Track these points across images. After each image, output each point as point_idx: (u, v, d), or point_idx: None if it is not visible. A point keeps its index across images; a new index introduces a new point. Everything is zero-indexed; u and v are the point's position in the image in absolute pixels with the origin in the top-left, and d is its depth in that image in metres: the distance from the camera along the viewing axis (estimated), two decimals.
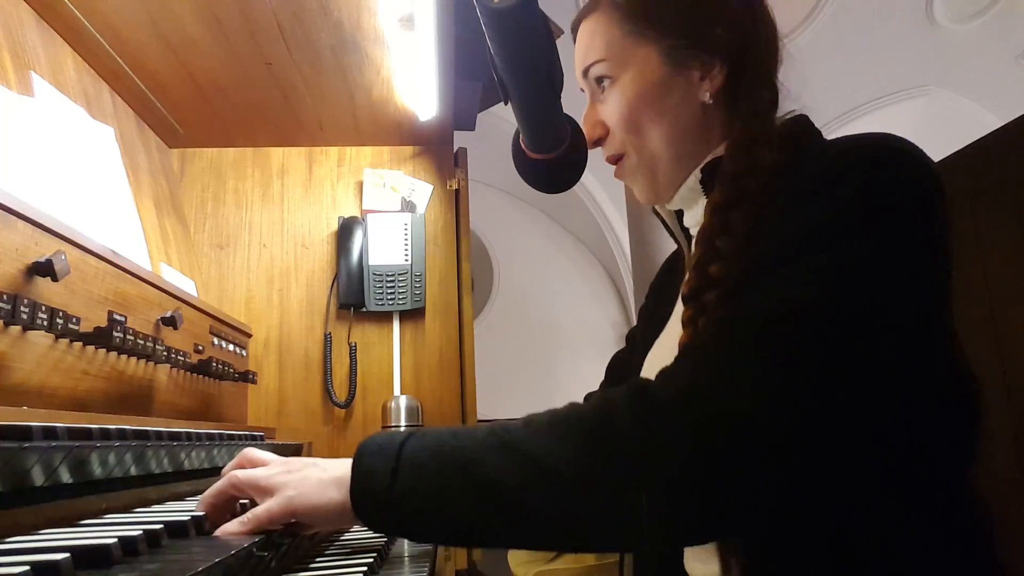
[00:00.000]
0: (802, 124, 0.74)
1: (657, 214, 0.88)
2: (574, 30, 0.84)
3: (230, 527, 0.60)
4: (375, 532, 0.64)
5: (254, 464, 0.68)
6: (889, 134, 0.65)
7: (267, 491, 0.63)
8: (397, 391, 1.72)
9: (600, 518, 0.56)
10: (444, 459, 0.58)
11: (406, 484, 0.58)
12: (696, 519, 0.56)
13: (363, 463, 0.60)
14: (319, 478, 0.62)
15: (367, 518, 0.60)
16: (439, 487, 0.57)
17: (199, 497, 0.67)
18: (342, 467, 0.62)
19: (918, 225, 0.60)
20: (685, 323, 0.68)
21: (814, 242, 0.59)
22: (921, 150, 0.64)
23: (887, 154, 0.62)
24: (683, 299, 0.69)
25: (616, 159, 0.82)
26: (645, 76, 0.76)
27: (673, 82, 0.76)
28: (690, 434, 0.54)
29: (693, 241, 0.74)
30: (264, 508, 0.62)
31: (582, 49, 0.81)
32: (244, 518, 0.61)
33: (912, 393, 0.61)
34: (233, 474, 0.65)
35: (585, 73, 0.81)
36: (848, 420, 0.56)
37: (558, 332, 6.70)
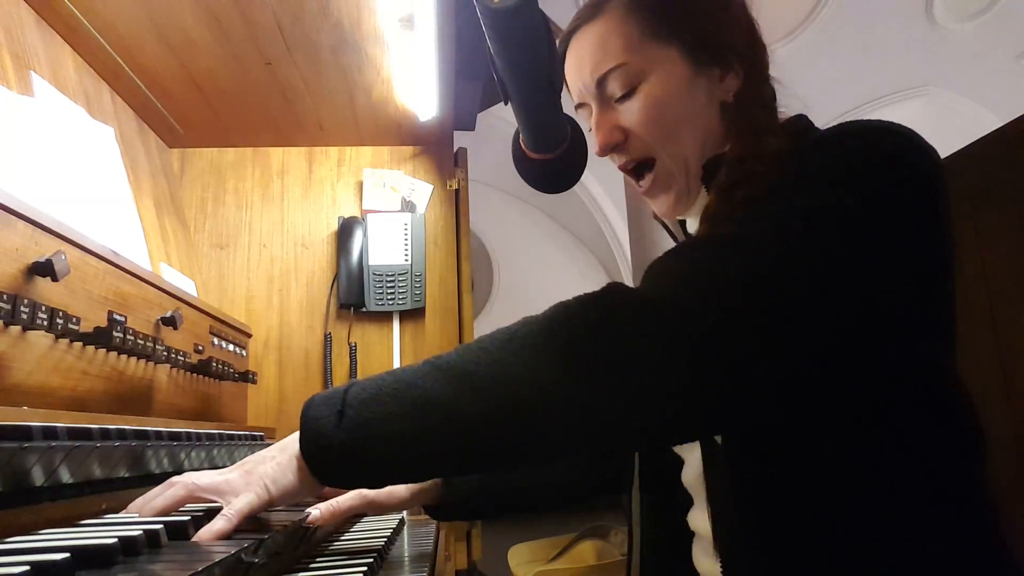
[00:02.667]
0: (803, 121, 0.76)
1: (659, 219, 0.88)
2: (566, 41, 0.81)
3: (216, 525, 0.59)
4: (332, 486, 0.64)
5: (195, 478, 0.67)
6: (890, 121, 0.65)
7: (233, 493, 0.63)
8: None
9: (540, 424, 0.56)
10: (385, 392, 0.59)
11: (351, 421, 0.58)
12: (627, 422, 0.57)
13: (310, 413, 0.61)
14: (278, 462, 0.63)
15: (319, 469, 0.61)
16: (382, 418, 0.58)
17: (147, 505, 0.64)
18: (294, 441, 0.63)
19: (899, 195, 0.60)
20: None
21: (784, 190, 0.61)
22: (920, 136, 0.64)
23: (885, 134, 0.63)
24: None
25: (635, 165, 0.79)
26: (671, 76, 0.75)
27: (698, 82, 0.76)
28: (638, 339, 0.54)
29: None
30: (245, 502, 0.62)
31: (592, 57, 0.77)
32: (228, 513, 0.61)
33: (897, 370, 0.62)
34: (193, 483, 0.64)
35: (600, 82, 0.77)
36: (788, 356, 0.56)
37: None
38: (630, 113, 0.77)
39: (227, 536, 0.59)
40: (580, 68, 0.79)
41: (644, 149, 0.78)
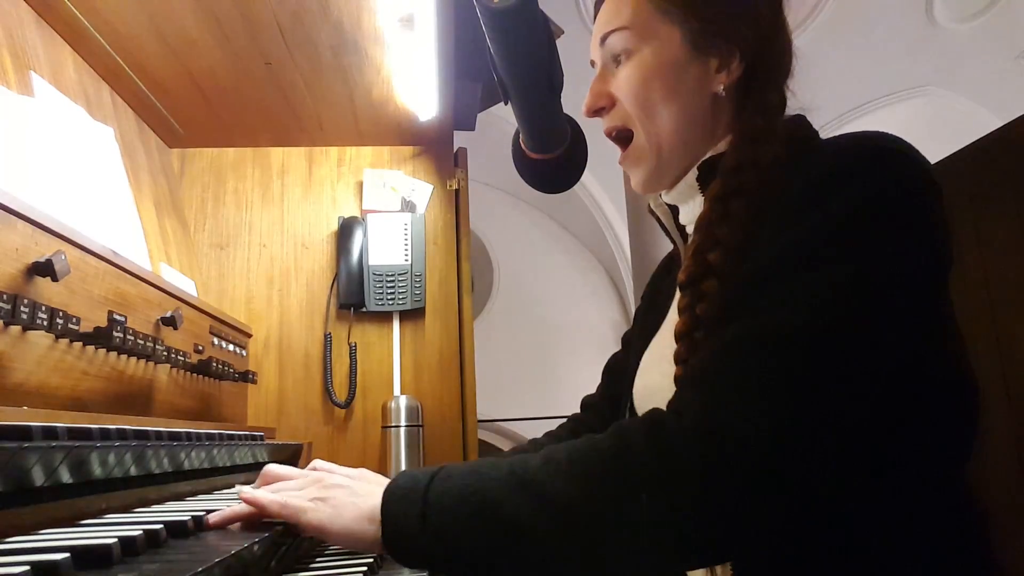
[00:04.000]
0: (801, 124, 0.75)
1: (652, 213, 0.88)
2: (599, 2, 0.83)
3: (261, 493, 0.63)
4: (409, 568, 0.66)
5: (278, 478, 0.70)
6: (885, 134, 0.65)
7: (301, 513, 0.64)
8: (397, 391, 1.72)
9: (623, 558, 0.57)
10: (469, 502, 0.60)
11: (434, 530, 0.60)
12: (717, 551, 0.59)
13: (392, 507, 0.62)
14: (356, 507, 0.64)
15: (401, 559, 0.63)
16: (465, 531, 0.59)
17: (220, 514, 0.65)
18: (374, 499, 0.64)
19: (916, 234, 0.60)
20: (682, 310, 0.68)
21: (811, 259, 0.60)
22: (916, 150, 0.64)
23: (884, 158, 0.62)
24: (680, 286, 0.70)
25: (617, 133, 0.81)
26: (665, 54, 0.76)
27: (691, 66, 0.76)
28: (709, 472, 0.55)
29: (691, 233, 0.75)
30: (302, 512, 0.63)
31: (605, 16, 0.80)
32: (279, 498, 0.63)
33: (912, 401, 0.61)
34: (269, 501, 0.65)
35: (603, 40, 0.79)
36: (857, 442, 0.56)
37: (558, 332, 6.70)
38: (617, 80, 0.79)
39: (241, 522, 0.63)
40: (597, 26, 0.81)
41: (623, 118, 0.79)
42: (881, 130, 0.66)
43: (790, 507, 0.56)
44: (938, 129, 4.89)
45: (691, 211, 0.81)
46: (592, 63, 0.84)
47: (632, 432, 0.59)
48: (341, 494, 0.65)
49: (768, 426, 0.55)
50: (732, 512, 0.55)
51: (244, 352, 1.55)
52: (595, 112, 0.81)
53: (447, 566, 0.62)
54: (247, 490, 0.66)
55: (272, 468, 0.73)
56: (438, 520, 0.60)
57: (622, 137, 0.81)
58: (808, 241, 0.60)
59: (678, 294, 0.71)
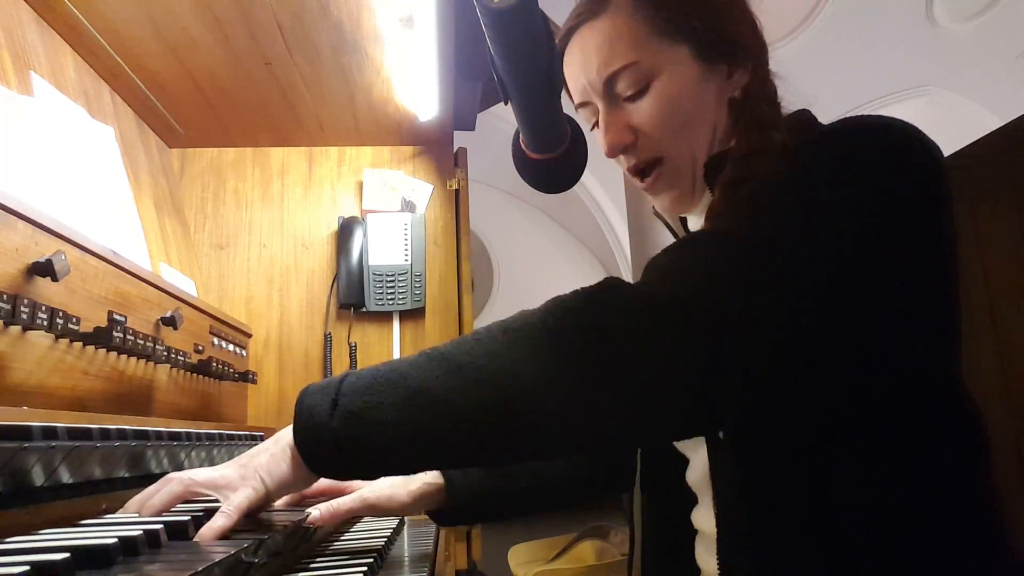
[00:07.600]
0: (807, 115, 0.75)
1: (659, 216, 0.88)
2: (567, 38, 0.79)
3: (217, 522, 0.59)
4: (325, 476, 0.64)
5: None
6: (893, 117, 0.65)
7: (229, 487, 0.63)
8: None
9: (524, 413, 0.55)
10: (379, 381, 0.58)
11: (344, 410, 0.58)
12: (598, 412, 0.55)
13: (304, 402, 0.60)
14: (272, 453, 0.63)
15: (313, 457, 0.60)
16: (376, 406, 0.57)
17: (145, 502, 0.64)
18: (285, 436, 0.63)
19: (903, 191, 0.60)
20: None
21: (789, 185, 0.61)
22: (924, 133, 0.64)
23: (887, 129, 0.63)
24: None
25: (645, 166, 0.78)
26: (683, 75, 0.74)
27: (707, 79, 0.75)
28: (589, 320, 0.55)
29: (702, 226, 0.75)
30: (243, 497, 0.61)
31: (599, 55, 0.75)
32: (227, 510, 0.60)
33: (894, 362, 0.61)
34: (189, 479, 0.64)
35: (609, 81, 0.75)
36: (790, 358, 0.56)
37: None
38: (640, 112, 0.75)
39: (228, 533, 0.59)
40: (586, 67, 0.77)
41: (654, 149, 0.76)
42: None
43: (714, 398, 0.55)
44: (938, 129, 4.89)
45: (702, 217, 0.80)
46: (579, 106, 0.81)
47: (563, 298, 0.58)
48: (260, 456, 0.64)
49: (709, 304, 0.54)
50: (655, 385, 0.54)
51: (244, 352, 1.55)
52: (621, 149, 0.77)
53: (357, 453, 0.58)
54: (205, 532, 0.59)
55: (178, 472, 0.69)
56: (348, 402, 0.58)
57: (649, 167, 0.78)
58: (795, 178, 0.61)
59: None
